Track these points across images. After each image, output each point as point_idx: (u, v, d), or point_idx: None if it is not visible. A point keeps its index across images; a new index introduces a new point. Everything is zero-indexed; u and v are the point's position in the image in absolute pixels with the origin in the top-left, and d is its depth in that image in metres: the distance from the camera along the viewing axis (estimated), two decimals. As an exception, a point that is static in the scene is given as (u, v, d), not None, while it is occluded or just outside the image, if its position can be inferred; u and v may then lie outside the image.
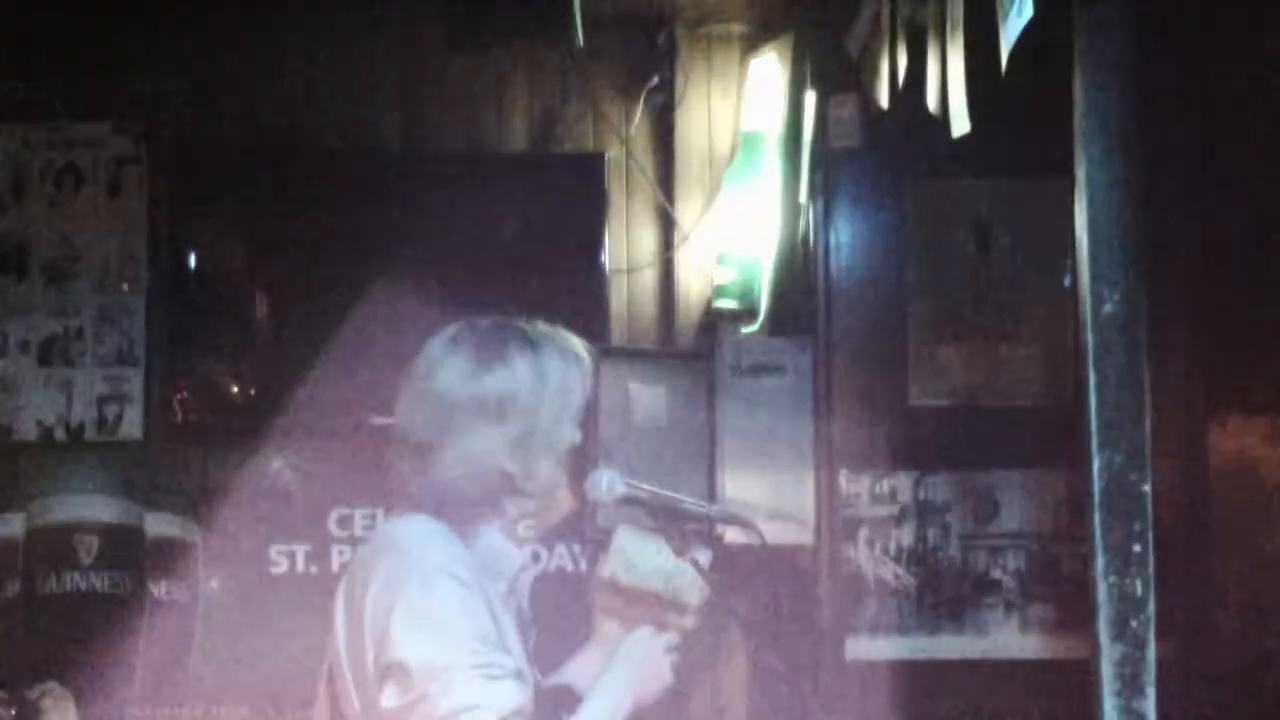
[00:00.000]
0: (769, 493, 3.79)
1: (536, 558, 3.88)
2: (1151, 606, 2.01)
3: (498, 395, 2.13)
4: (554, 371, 2.18)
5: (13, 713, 3.37)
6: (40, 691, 3.43)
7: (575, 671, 2.34)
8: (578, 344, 2.25)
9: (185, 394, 4.11)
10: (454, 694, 1.98)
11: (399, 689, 2.01)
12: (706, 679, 3.97)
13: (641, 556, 2.32)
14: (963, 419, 3.76)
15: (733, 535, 2.57)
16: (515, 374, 2.15)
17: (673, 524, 2.31)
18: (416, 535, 2.12)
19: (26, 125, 4.16)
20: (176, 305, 4.13)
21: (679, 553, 2.30)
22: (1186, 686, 3.40)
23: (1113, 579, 2.01)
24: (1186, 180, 3.53)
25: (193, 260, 4.17)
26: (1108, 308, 2.02)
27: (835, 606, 3.74)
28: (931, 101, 2.77)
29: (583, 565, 3.97)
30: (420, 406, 2.15)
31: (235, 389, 4.19)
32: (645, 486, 2.32)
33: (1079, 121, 2.12)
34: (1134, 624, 2.00)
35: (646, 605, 2.30)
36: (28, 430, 4.11)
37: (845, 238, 3.85)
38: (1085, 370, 2.04)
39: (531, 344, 2.19)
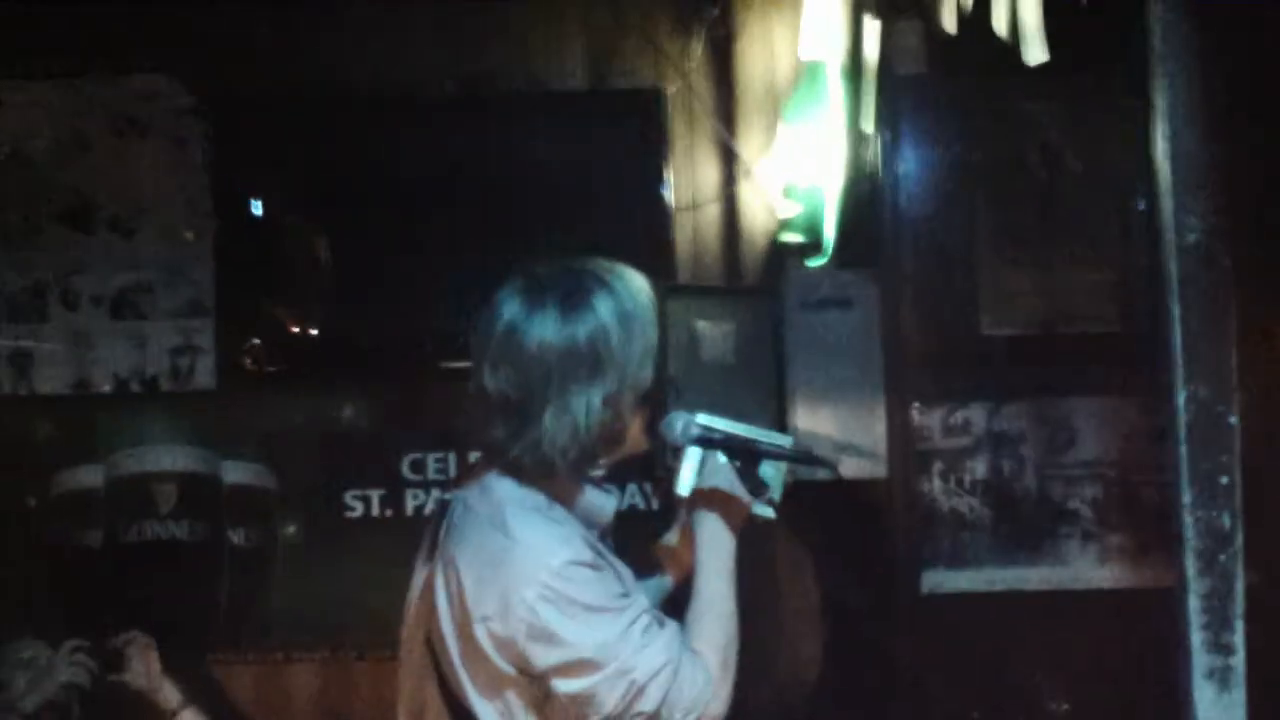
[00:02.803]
0: (841, 428, 3.79)
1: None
2: (1240, 539, 1.99)
3: (589, 342, 2.07)
4: (634, 310, 2.13)
5: (97, 662, 3.43)
6: (123, 640, 3.48)
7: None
8: (643, 280, 2.20)
9: (257, 342, 4.16)
10: (639, 661, 2.05)
11: (580, 679, 2.06)
12: (781, 614, 3.99)
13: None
14: (1036, 348, 3.73)
15: (806, 471, 2.56)
16: (601, 318, 2.09)
17: (749, 464, 2.31)
18: (519, 521, 2.09)
19: (85, 79, 4.19)
20: (244, 254, 4.17)
21: (754, 493, 2.31)
22: (1268, 618, 3.37)
23: (1200, 512, 1.99)
24: (1267, 100, 3.45)
25: (259, 209, 4.20)
26: (1191, 238, 1.98)
27: (910, 540, 3.74)
28: (1001, 26, 2.72)
29: (655, 505, 4.00)
30: (509, 366, 2.09)
31: (306, 335, 4.23)
32: (720, 427, 2.31)
33: (1155, 45, 2.07)
34: (1222, 558, 1.98)
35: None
36: (104, 383, 4.18)
37: (912, 166, 3.80)
38: (1168, 302, 2.01)
39: (610, 286, 2.12)
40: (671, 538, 2.51)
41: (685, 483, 2.29)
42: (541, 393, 2.08)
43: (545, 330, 2.08)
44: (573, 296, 2.11)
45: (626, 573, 2.18)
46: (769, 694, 3.87)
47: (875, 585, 3.79)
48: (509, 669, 2.08)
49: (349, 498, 4.08)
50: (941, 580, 3.72)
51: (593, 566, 2.08)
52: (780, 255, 4.04)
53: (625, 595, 2.11)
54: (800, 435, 3.69)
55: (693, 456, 2.29)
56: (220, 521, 4.05)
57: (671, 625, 2.14)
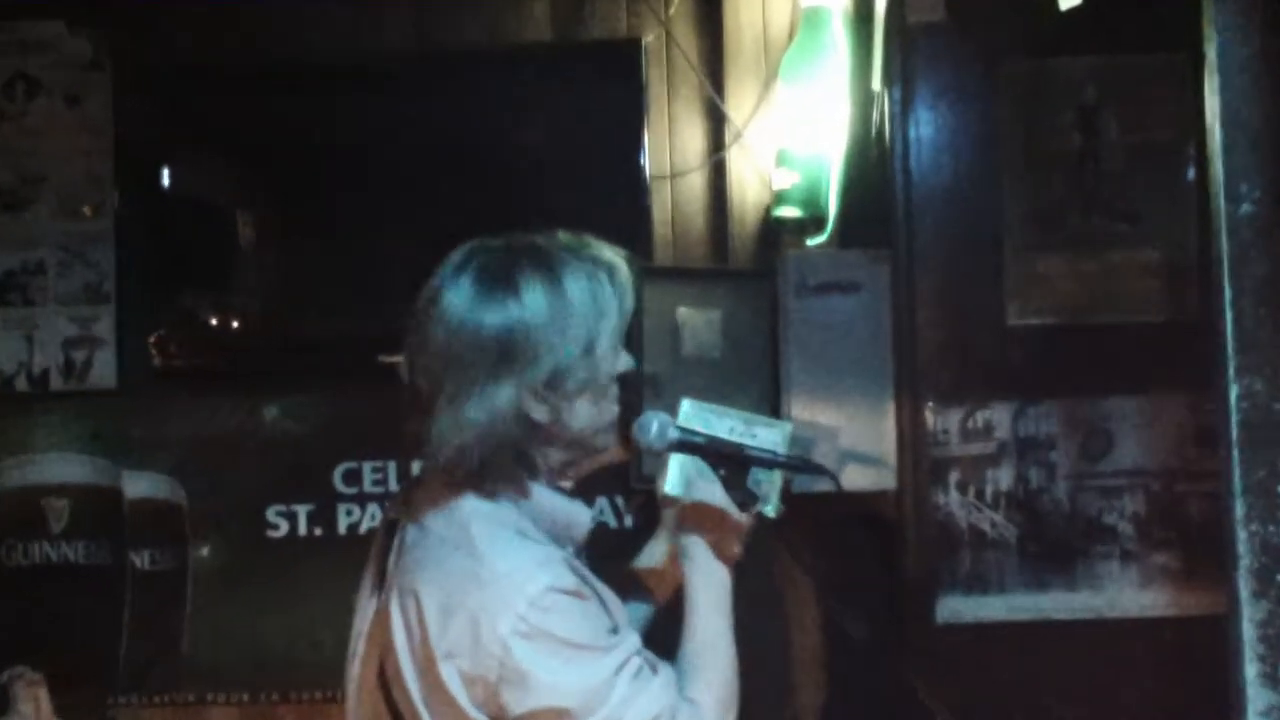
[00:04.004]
0: (843, 431, 3.79)
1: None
2: (1301, 557, 2.00)
3: (504, 332, 2.08)
4: (578, 292, 2.13)
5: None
6: (8, 677, 3.49)
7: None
8: (610, 253, 2.20)
9: (165, 335, 4.15)
10: (627, 713, 2.05)
11: None
12: (778, 643, 4.00)
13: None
14: (1069, 340, 3.74)
15: (803, 481, 2.57)
16: (525, 304, 2.09)
17: (735, 473, 2.32)
18: (488, 541, 2.09)
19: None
20: (152, 233, 4.16)
21: (742, 506, 2.31)
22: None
23: (1254, 526, 2.00)
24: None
25: (169, 180, 4.18)
26: (1246, 208, 1.99)
27: (923, 561, 3.75)
28: (1029, -33, 2.74)
29: (627, 521, 4.00)
30: (422, 351, 2.12)
31: (223, 327, 4.22)
32: (702, 431, 2.32)
33: (1208, -12, 2.08)
34: (1280, 578, 1.99)
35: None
36: (-16, 380, 4.17)
37: (928, 130, 3.81)
38: (1218, 282, 2.02)
39: (547, 264, 2.13)
40: (655, 554, 2.50)
41: (673, 483, 2.30)
42: (452, 383, 2.08)
43: (454, 312, 2.10)
44: (495, 275, 2.11)
45: (615, 602, 2.18)
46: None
47: (883, 614, 3.80)
48: (478, 714, 2.06)
49: (272, 514, 4.09)
50: (960, 608, 3.74)
51: (577, 595, 2.08)
52: (775, 232, 4.05)
53: (614, 631, 2.11)
54: (799, 429, 3.71)
55: (674, 463, 2.30)
56: (121, 542, 4.07)
57: (665, 670, 2.14)
